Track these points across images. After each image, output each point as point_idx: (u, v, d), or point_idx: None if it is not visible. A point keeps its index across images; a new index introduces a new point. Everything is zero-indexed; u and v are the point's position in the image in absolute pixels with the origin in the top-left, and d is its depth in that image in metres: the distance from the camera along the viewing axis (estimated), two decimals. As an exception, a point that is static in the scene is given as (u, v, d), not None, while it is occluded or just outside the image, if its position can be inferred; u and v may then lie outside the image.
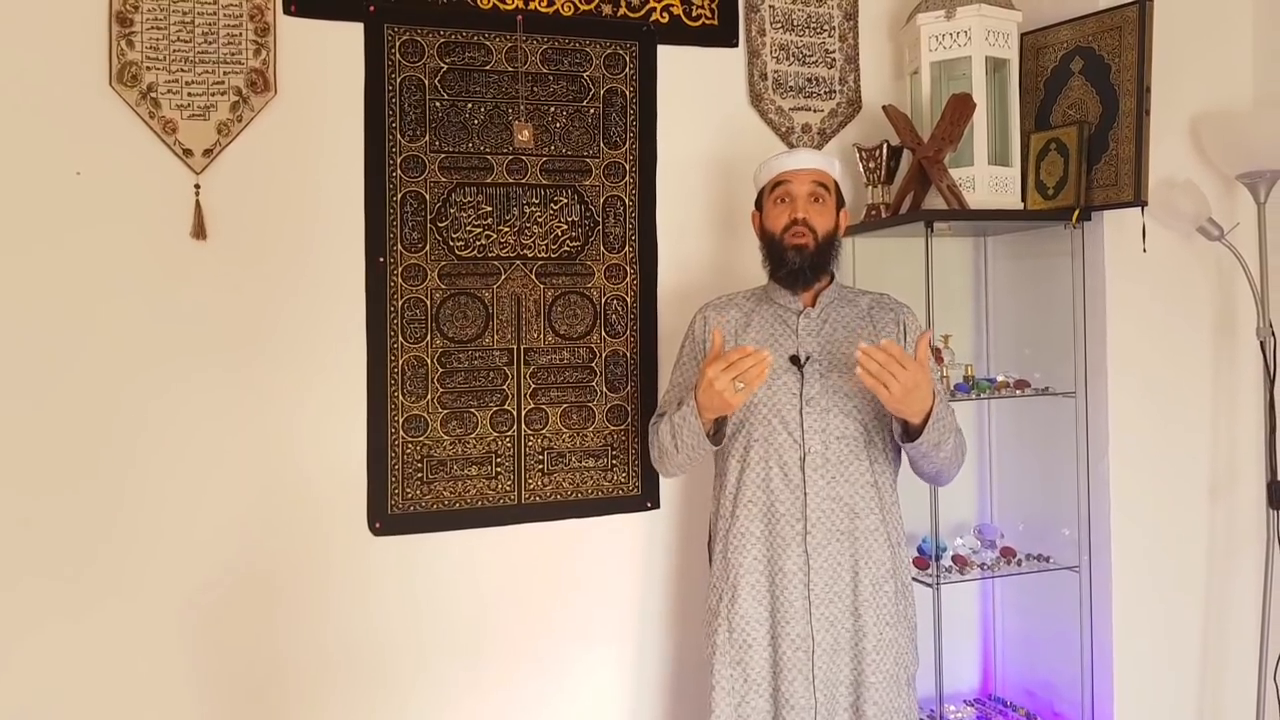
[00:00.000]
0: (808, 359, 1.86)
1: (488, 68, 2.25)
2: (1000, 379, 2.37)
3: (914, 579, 2.23)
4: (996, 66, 2.37)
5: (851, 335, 1.89)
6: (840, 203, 1.96)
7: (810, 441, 1.83)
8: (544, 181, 2.30)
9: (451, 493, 2.23)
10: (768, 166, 1.96)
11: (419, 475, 2.21)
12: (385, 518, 2.18)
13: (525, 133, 2.27)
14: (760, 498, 1.86)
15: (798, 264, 1.87)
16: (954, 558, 2.33)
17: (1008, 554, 2.38)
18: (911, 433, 1.76)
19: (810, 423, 1.84)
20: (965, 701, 2.58)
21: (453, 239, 2.23)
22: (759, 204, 1.99)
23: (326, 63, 2.15)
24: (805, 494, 1.82)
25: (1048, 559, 2.39)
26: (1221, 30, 2.41)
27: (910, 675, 1.90)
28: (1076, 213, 2.25)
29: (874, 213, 2.41)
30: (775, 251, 1.91)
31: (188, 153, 2.05)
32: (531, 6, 2.28)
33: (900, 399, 1.67)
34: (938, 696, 2.26)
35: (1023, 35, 2.40)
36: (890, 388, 1.65)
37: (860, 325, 1.92)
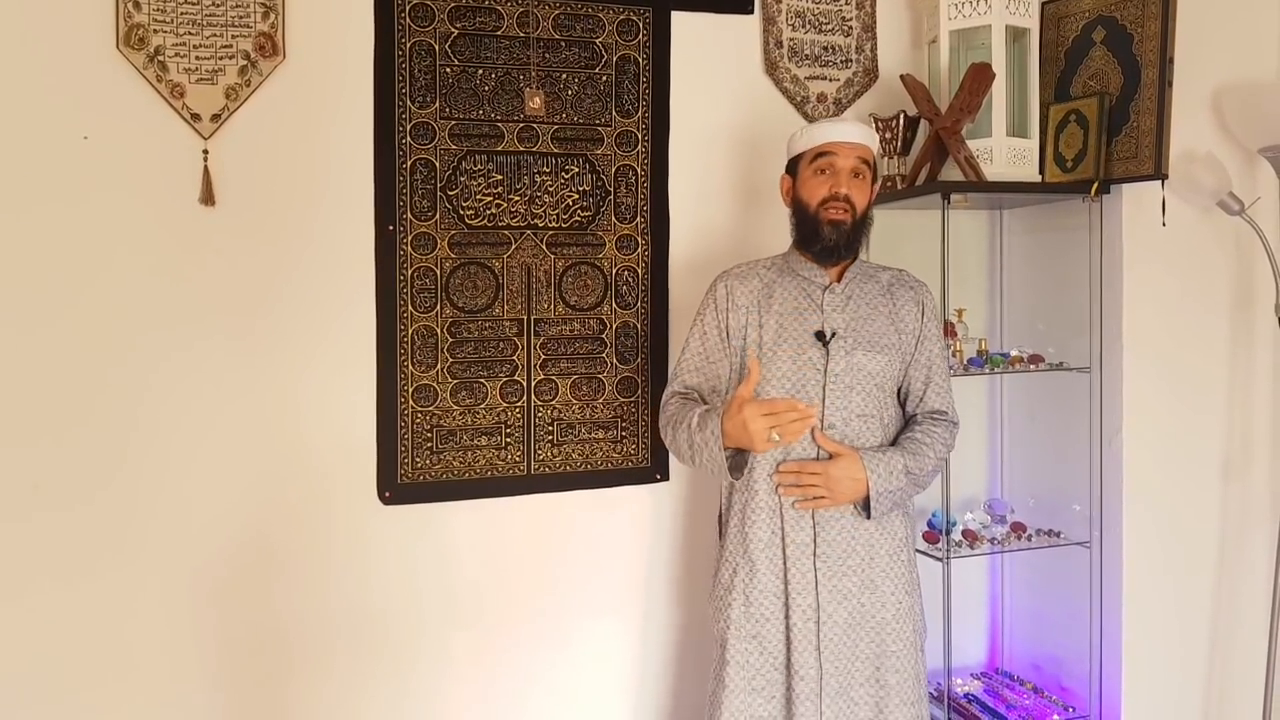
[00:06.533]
0: (833, 335, 1.85)
1: (499, 33, 2.22)
2: (1014, 353, 2.35)
3: (924, 553, 2.25)
4: (1016, 36, 2.33)
5: (874, 313, 1.88)
6: (874, 179, 1.92)
7: (831, 418, 1.82)
8: (555, 150, 2.27)
9: (461, 463, 2.23)
10: (811, 133, 1.88)
11: (428, 445, 2.20)
12: (395, 487, 2.18)
13: (536, 100, 2.24)
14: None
15: (834, 241, 1.84)
16: (964, 532, 2.32)
17: (1018, 529, 2.37)
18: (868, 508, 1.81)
19: (833, 400, 1.83)
20: (972, 675, 2.59)
21: (463, 208, 2.21)
22: (791, 170, 1.93)
23: (336, 27, 2.11)
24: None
25: (1058, 534, 2.38)
26: (1246, 1, 2.36)
27: (922, 641, 1.93)
28: (1095, 186, 2.22)
29: (889, 184, 2.38)
30: (808, 225, 1.87)
31: (195, 117, 2.02)
32: (544, -30, 2.24)
33: (835, 498, 1.78)
34: (945, 670, 2.27)
35: (1043, 4, 2.36)
36: (822, 495, 1.78)
37: (881, 302, 1.90)
